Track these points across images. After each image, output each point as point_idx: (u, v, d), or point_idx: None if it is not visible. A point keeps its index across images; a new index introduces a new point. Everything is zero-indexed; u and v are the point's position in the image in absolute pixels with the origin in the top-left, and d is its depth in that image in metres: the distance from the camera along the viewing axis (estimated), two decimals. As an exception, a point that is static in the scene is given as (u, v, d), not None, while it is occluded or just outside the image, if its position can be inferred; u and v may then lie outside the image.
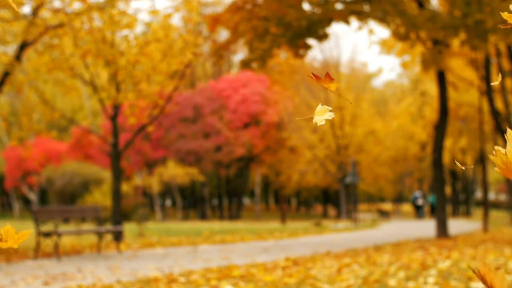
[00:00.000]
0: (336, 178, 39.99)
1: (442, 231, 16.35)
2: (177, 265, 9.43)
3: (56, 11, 12.95)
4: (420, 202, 42.17)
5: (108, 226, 14.73)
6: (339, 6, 15.23)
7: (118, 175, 15.74)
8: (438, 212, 16.70)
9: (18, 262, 10.31)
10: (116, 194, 15.51)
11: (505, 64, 22.37)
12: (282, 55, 37.12)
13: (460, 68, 27.56)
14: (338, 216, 42.51)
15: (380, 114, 47.57)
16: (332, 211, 53.38)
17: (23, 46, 12.86)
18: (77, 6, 13.26)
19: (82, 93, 37.44)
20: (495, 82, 1.36)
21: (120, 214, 15.46)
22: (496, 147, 1.16)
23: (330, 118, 1.20)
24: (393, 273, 7.01)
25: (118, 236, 13.83)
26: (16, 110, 39.37)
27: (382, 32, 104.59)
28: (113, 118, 15.68)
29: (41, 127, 20.95)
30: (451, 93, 25.50)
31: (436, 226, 16.67)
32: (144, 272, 8.35)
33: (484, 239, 14.97)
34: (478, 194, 56.53)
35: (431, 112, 39.11)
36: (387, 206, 61.71)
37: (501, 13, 1.27)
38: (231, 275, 7.27)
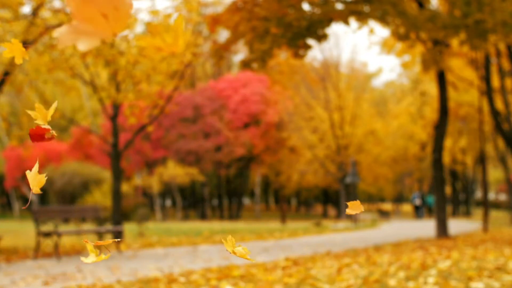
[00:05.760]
0: (336, 178, 39.99)
1: (442, 231, 16.35)
2: (177, 265, 9.43)
3: (56, 11, 12.95)
4: (417, 202, 42.25)
5: (108, 226, 14.72)
6: (339, 6, 15.23)
7: (118, 175, 15.74)
8: (438, 212, 16.70)
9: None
10: (116, 194, 15.51)
11: (505, 64, 22.36)
12: (282, 55, 37.11)
13: (460, 68, 27.56)
14: (338, 216, 42.51)
15: (380, 114, 47.57)
16: (332, 211, 53.37)
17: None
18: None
19: (82, 93, 37.43)
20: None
21: (120, 214, 15.46)
22: None
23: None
24: (393, 273, 7.01)
25: (118, 236, 13.83)
26: (16, 110, 39.37)
27: (382, 32, 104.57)
28: (113, 118, 15.68)
29: (41, 127, 20.90)
30: (451, 93, 25.51)
31: (436, 226, 16.67)
32: (144, 272, 8.35)
33: (484, 239, 14.97)
34: (478, 194, 56.52)
35: (431, 112, 39.11)
36: (387, 206, 61.73)
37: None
38: (231, 275, 7.27)
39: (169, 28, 0.99)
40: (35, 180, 1.36)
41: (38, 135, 1.33)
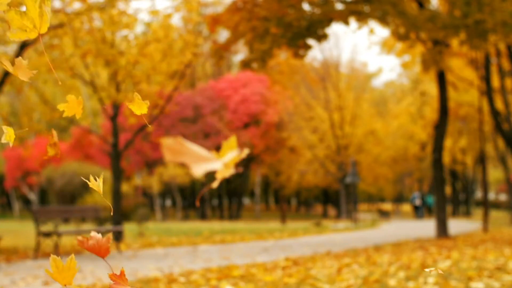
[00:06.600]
0: (336, 178, 39.99)
1: (442, 231, 16.35)
2: (177, 265, 9.43)
3: (56, 11, 12.95)
4: (417, 202, 42.30)
5: (108, 226, 14.72)
6: (339, 6, 15.23)
7: (118, 175, 15.74)
8: (438, 212, 16.70)
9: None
10: (116, 194, 15.51)
11: (505, 64, 22.36)
12: (282, 55, 37.12)
13: (460, 68, 27.56)
14: (338, 216, 42.51)
15: (380, 114, 47.57)
16: (332, 211, 53.37)
17: (23, 46, 12.86)
18: (77, 6, 13.26)
19: (82, 93, 37.43)
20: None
21: (120, 214, 15.46)
22: None
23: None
24: (393, 273, 7.01)
25: (118, 236, 13.83)
26: (16, 110, 39.36)
27: (382, 32, 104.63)
28: (113, 118, 15.68)
29: (41, 127, 20.93)
30: (451, 93, 25.51)
31: (436, 226, 16.67)
32: (144, 272, 8.35)
33: (484, 239, 14.97)
34: (478, 194, 56.52)
35: (431, 112, 39.11)
36: (387, 206, 61.73)
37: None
38: (231, 275, 7.27)
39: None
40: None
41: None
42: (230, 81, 41.26)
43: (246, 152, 1.00)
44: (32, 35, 1.28)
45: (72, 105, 1.34)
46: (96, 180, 1.38)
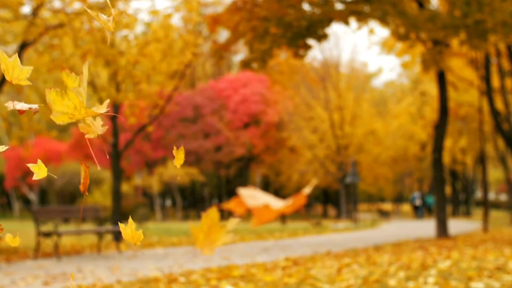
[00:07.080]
0: (336, 178, 39.99)
1: (442, 231, 16.35)
2: (177, 265, 9.43)
3: (56, 11, 12.94)
4: (417, 202, 42.32)
5: (108, 226, 14.73)
6: (339, 6, 15.23)
7: (118, 175, 15.74)
8: (438, 212, 16.70)
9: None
10: (116, 194, 15.51)
11: (505, 64, 22.36)
12: (282, 55, 37.12)
13: (460, 68, 27.55)
14: (338, 216, 42.51)
15: (380, 114, 47.57)
16: (332, 211, 53.37)
17: (23, 46, 12.86)
18: (77, 6, 13.26)
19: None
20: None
21: (120, 214, 15.46)
22: None
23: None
24: (393, 273, 7.01)
25: (118, 236, 13.83)
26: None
27: (382, 32, 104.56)
28: (113, 118, 15.68)
29: (41, 127, 20.92)
30: (451, 93, 25.50)
31: (436, 226, 16.67)
32: (144, 272, 8.35)
33: (484, 239, 14.97)
34: (478, 194, 56.51)
35: (431, 112, 39.10)
36: (387, 206, 61.71)
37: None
38: (231, 275, 7.27)
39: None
40: None
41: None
42: (230, 81, 41.26)
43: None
44: (73, 117, 1.29)
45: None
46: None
